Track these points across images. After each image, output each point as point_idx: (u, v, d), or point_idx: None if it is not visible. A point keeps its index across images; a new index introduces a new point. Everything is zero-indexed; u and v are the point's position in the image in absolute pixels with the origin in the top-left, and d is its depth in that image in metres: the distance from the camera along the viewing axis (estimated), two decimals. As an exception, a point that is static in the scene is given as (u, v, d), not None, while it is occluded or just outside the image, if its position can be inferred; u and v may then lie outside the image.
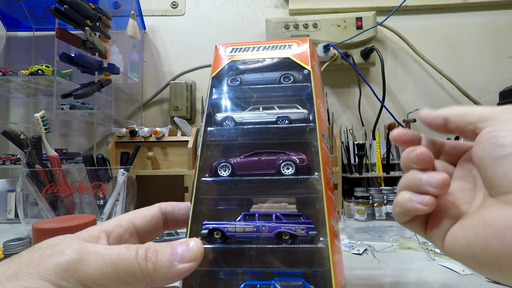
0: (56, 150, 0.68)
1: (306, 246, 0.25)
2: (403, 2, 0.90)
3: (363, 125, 1.04)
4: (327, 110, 1.02)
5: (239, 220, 0.26)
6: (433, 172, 0.24)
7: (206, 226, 0.26)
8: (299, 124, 0.31)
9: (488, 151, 0.21)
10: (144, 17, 1.13)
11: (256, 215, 0.26)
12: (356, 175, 0.88)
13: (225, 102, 0.34)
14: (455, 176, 0.27)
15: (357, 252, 0.54)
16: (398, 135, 0.28)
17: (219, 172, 0.29)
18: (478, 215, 0.21)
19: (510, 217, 0.19)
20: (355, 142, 0.89)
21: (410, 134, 0.27)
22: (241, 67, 0.35)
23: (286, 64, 0.34)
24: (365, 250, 0.55)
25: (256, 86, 0.34)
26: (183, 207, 0.28)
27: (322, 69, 0.98)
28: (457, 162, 0.28)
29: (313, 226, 0.25)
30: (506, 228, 0.18)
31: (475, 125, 0.23)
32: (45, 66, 0.85)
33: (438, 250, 0.52)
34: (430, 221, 0.25)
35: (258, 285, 0.23)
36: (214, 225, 0.26)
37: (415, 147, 0.25)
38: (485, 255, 0.20)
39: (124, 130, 0.83)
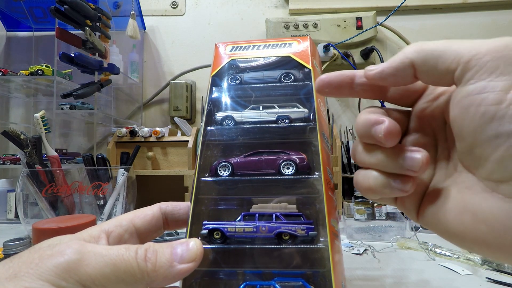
0: (56, 150, 0.68)
1: (306, 246, 0.25)
2: (403, 2, 0.90)
3: (363, 125, 1.04)
4: (327, 110, 1.02)
5: (239, 220, 0.26)
6: (411, 151, 0.19)
7: (206, 226, 0.26)
8: (300, 124, 0.31)
9: (476, 123, 0.16)
10: (144, 17, 1.13)
11: (256, 215, 0.26)
12: (356, 175, 0.88)
13: (225, 101, 0.33)
14: (410, 129, 0.23)
15: (357, 252, 0.54)
16: (323, 84, 0.23)
17: (219, 172, 0.29)
18: (460, 198, 0.19)
19: (511, 214, 0.16)
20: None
21: (336, 76, 0.23)
22: (241, 65, 0.35)
23: (287, 63, 0.34)
24: (365, 250, 0.55)
25: (256, 85, 0.34)
26: (183, 207, 0.28)
27: (322, 69, 0.98)
28: (405, 102, 0.23)
29: (313, 226, 0.25)
30: (506, 228, 0.16)
31: (453, 73, 0.18)
32: (45, 66, 0.85)
33: (438, 250, 0.52)
34: None
35: (258, 285, 0.23)
36: (214, 225, 0.26)
37: (376, 118, 0.20)
38: (475, 244, 0.18)
39: (124, 130, 0.83)
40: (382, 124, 0.19)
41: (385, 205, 0.70)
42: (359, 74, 0.23)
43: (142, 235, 0.25)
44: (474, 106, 0.17)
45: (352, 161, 0.90)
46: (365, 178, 0.22)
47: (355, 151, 0.23)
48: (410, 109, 0.24)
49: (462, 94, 0.17)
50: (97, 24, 0.81)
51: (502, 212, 0.17)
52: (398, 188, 0.20)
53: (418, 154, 0.19)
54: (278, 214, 0.26)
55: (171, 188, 0.81)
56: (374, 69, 0.21)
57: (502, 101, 0.16)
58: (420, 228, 0.66)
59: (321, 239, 0.25)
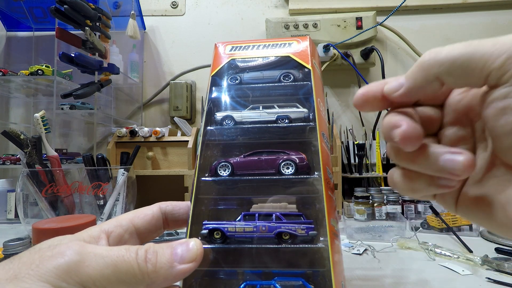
0: (56, 150, 0.68)
1: (306, 246, 0.25)
2: (403, 2, 0.90)
3: (363, 125, 1.04)
4: (327, 110, 1.02)
5: (239, 220, 0.26)
6: (450, 153, 0.18)
7: (206, 226, 0.26)
8: (299, 124, 0.31)
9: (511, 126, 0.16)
10: (144, 17, 1.13)
11: (256, 215, 0.26)
12: (356, 175, 0.88)
13: (225, 101, 0.33)
14: (445, 122, 0.21)
15: (357, 252, 0.54)
16: (361, 98, 0.21)
17: (218, 172, 0.29)
18: (501, 190, 0.18)
19: None
20: (355, 142, 0.89)
21: (373, 89, 0.21)
22: (241, 65, 0.35)
23: (286, 63, 0.34)
24: (365, 250, 0.55)
25: (256, 85, 0.34)
26: (183, 206, 0.28)
27: (322, 69, 0.98)
28: (440, 100, 0.22)
29: (313, 226, 0.25)
30: None
31: (485, 79, 0.17)
32: (45, 66, 0.85)
33: (438, 250, 0.52)
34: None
35: (258, 285, 0.23)
36: (214, 225, 0.26)
37: (396, 121, 0.18)
38: None
39: (124, 130, 0.83)
40: (399, 128, 0.18)
41: (385, 205, 0.70)
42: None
43: (142, 235, 0.25)
44: (509, 109, 0.16)
45: (352, 161, 0.90)
46: (405, 180, 0.20)
47: (389, 152, 0.21)
48: None
49: (495, 96, 0.17)
50: (97, 24, 0.81)
51: None
52: (445, 185, 0.19)
53: (459, 156, 0.17)
54: (278, 214, 0.26)
55: (171, 188, 0.81)
56: (396, 88, 0.20)
57: None
58: (420, 228, 0.66)
59: (321, 238, 0.25)
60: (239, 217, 0.26)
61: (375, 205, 0.70)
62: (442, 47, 0.18)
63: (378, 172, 0.88)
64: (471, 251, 0.53)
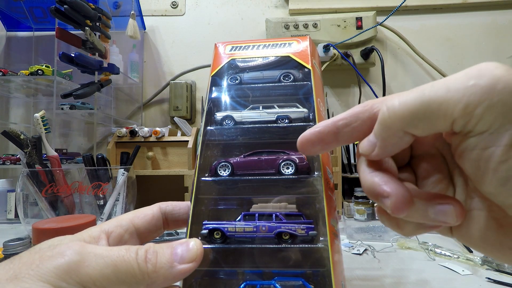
0: (56, 150, 0.68)
1: (306, 246, 0.25)
2: (403, 2, 0.90)
3: (363, 125, 1.04)
4: (327, 110, 1.02)
5: (239, 220, 0.26)
6: (439, 204, 0.17)
7: (206, 226, 0.26)
8: (299, 123, 0.31)
9: (490, 178, 0.15)
10: (144, 17, 1.13)
11: (256, 215, 0.26)
12: (356, 175, 0.88)
13: (225, 101, 0.33)
14: (415, 154, 0.21)
15: (357, 252, 0.54)
16: (304, 142, 0.21)
17: (218, 172, 0.29)
18: (486, 215, 0.18)
19: None
20: (355, 142, 0.88)
21: (318, 133, 0.21)
22: (241, 65, 0.35)
23: (286, 62, 0.34)
24: (365, 250, 0.55)
25: (256, 85, 0.34)
26: (183, 206, 0.28)
27: (322, 69, 0.98)
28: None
29: (313, 226, 0.25)
30: None
31: (451, 125, 0.16)
32: (45, 66, 0.85)
33: (438, 250, 0.52)
34: None
35: (258, 285, 0.23)
36: (214, 225, 0.26)
37: (382, 190, 0.18)
38: (504, 254, 0.18)
39: (124, 130, 0.83)
40: (388, 199, 0.17)
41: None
42: (340, 123, 0.21)
43: (142, 235, 0.25)
44: (483, 162, 0.15)
45: (352, 161, 0.90)
46: (392, 223, 0.20)
47: (378, 212, 0.21)
48: None
49: (465, 146, 0.16)
50: (97, 24, 0.81)
51: None
52: (432, 227, 0.19)
53: (449, 207, 0.17)
54: (278, 213, 0.26)
55: (171, 188, 0.81)
56: (370, 149, 0.19)
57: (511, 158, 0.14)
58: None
59: (320, 238, 0.25)
60: (239, 217, 0.26)
61: (375, 205, 0.70)
62: (391, 97, 0.18)
63: (378, 172, 0.88)
64: (471, 251, 0.53)
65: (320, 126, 0.21)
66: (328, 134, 0.21)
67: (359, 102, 1.05)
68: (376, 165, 0.20)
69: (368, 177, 0.19)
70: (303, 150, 0.22)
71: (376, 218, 0.67)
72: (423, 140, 0.21)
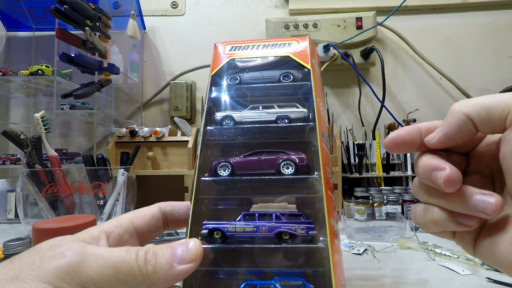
0: (56, 150, 0.68)
1: (306, 245, 0.25)
2: (403, 2, 0.90)
3: (363, 125, 1.04)
4: (327, 110, 1.02)
5: (239, 220, 0.26)
6: (482, 195, 0.19)
7: (206, 226, 0.26)
8: (299, 123, 0.31)
9: None
10: (144, 17, 1.13)
11: (256, 214, 0.26)
12: (356, 175, 0.88)
13: (225, 101, 0.33)
14: (469, 170, 0.23)
15: (357, 252, 0.54)
16: (393, 141, 0.23)
17: (218, 172, 0.29)
18: None
19: None
20: (355, 142, 0.89)
21: (407, 135, 0.23)
22: (241, 65, 0.35)
23: (286, 62, 0.34)
24: (365, 250, 0.55)
25: (256, 85, 0.34)
26: (183, 206, 0.28)
27: (322, 69, 0.98)
28: (468, 148, 0.24)
29: (313, 226, 0.25)
30: None
31: (505, 121, 0.19)
32: (45, 66, 0.85)
33: (438, 250, 0.52)
34: None
35: (258, 285, 0.23)
36: (214, 225, 0.26)
37: (437, 164, 0.20)
38: None
39: (124, 130, 0.83)
40: (443, 171, 0.20)
41: (385, 205, 0.70)
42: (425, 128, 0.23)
43: (142, 235, 0.25)
44: None
45: (352, 161, 0.90)
46: (427, 213, 0.22)
47: (417, 190, 0.23)
48: None
49: (508, 136, 0.19)
50: (97, 24, 0.81)
51: None
52: (464, 224, 0.20)
53: (491, 198, 0.19)
54: (278, 213, 0.26)
55: (171, 188, 0.81)
56: (434, 136, 0.22)
57: None
58: (420, 228, 0.66)
59: (320, 238, 0.25)
60: (239, 217, 0.26)
61: (375, 205, 0.70)
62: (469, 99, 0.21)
63: (378, 172, 0.88)
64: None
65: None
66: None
67: (359, 102, 1.05)
68: (436, 155, 0.22)
69: (426, 159, 0.21)
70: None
71: (377, 218, 0.67)
72: (481, 158, 0.23)
